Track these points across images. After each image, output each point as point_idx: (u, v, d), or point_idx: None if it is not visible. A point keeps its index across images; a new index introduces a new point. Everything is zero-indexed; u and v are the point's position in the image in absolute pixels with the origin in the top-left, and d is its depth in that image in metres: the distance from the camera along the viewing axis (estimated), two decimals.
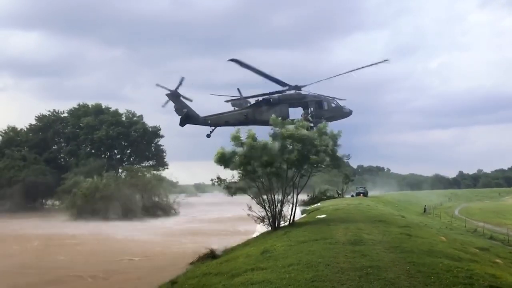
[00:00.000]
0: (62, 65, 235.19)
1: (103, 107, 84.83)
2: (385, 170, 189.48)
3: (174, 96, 29.60)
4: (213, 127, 30.02)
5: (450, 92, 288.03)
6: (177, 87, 29.55)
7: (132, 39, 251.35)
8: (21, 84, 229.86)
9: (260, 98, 30.08)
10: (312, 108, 29.84)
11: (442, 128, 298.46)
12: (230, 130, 25.51)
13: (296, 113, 29.95)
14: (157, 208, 63.63)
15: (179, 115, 29.64)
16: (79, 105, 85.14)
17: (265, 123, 29.29)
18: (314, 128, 28.47)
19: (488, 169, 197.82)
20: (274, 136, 24.60)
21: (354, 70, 31.91)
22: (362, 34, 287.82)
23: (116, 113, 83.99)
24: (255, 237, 26.32)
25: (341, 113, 30.71)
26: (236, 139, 24.07)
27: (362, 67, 31.56)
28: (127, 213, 58.76)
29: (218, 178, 25.08)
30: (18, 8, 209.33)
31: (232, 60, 27.34)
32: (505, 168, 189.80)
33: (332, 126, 26.32)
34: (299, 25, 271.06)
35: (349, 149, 26.04)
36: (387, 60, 30.75)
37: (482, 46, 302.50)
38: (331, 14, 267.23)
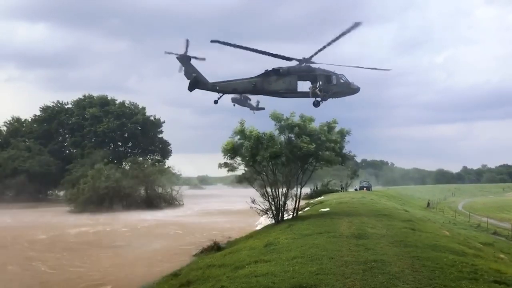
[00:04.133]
0: (67, 57, 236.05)
1: (109, 98, 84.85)
2: (389, 164, 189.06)
3: (184, 59, 29.40)
4: (220, 94, 29.95)
5: (455, 87, 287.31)
6: (186, 51, 29.30)
7: (137, 31, 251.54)
8: (26, 75, 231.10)
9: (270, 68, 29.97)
10: (321, 82, 29.71)
11: (447, 122, 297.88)
12: (234, 125, 25.51)
13: (304, 86, 29.88)
14: (161, 200, 63.76)
15: (188, 79, 29.50)
16: (84, 96, 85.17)
17: (273, 93, 29.33)
18: (322, 102, 28.79)
19: (492, 164, 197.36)
20: (280, 129, 24.70)
21: (358, 67, 31.83)
22: (369, 28, 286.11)
23: (121, 104, 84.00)
24: (258, 230, 26.40)
25: (349, 89, 30.59)
26: (241, 132, 24.18)
27: (365, 68, 31.69)
28: (131, 205, 58.94)
29: (225, 163, 25.18)
30: (25, 0, 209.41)
31: (213, 41, 27.40)
32: (510, 163, 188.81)
33: (339, 119, 26.40)
34: (305, 19, 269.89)
35: (353, 142, 26.16)
36: (389, 69, 31.02)
37: (489, 41, 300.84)
38: (337, 8, 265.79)
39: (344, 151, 26.31)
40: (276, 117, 24.98)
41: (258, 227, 29.56)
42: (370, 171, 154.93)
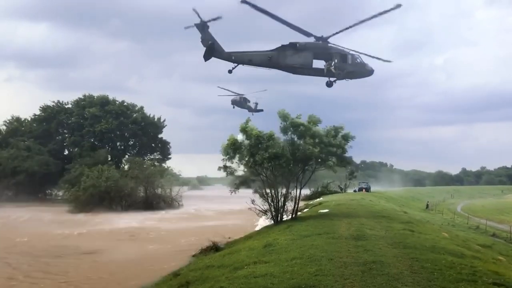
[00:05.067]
0: (67, 57, 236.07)
1: (110, 98, 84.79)
2: (388, 166, 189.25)
3: (202, 26, 29.09)
4: (235, 64, 29.65)
5: (455, 89, 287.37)
6: (200, 18, 28.94)
7: (138, 32, 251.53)
8: (26, 75, 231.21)
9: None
10: (336, 60, 29.47)
11: (446, 124, 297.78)
12: (232, 126, 25.46)
13: (319, 64, 29.73)
14: (160, 200, 63.65)
15: (204, 46, 29.19)
16: (84, 95, 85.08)
17: (288, 68, 29.11)
18: (335, 82, 28.62)
19: (491, 166, 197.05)
20: (283, 129, 24.62)
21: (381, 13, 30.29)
22: (368, 29, 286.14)
23: (120, 104, 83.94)
24: (257, 231, 26.39)
25: (364, 70, 30.23)
26: (244, 130, 24.16)
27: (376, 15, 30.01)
28: (131, 205, 58.84)
29: (225, 166, 25.06)
30: (26, 0, 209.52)
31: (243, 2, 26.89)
32: (508, 165, 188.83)
33: (339, 120, 26.30)
34: (305, 20, 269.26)
35: (353, 144, 25.91)
36: (399, 5, 29.48)
37: (489, 43, 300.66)
38: (337, 9, 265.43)
39: (346, 155, 26.22)
40: (283, 116, 24.75)
41: (257, 228, 29.57)
42: (369, 172, 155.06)
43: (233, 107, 59.33)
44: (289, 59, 28.88)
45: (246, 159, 24.36)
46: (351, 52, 29.90)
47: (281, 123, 24.66)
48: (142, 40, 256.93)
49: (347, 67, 29.18)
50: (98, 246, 28.64)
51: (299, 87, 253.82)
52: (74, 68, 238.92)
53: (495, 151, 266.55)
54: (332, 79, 29.46)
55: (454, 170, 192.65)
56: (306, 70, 29.27)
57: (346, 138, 25.32)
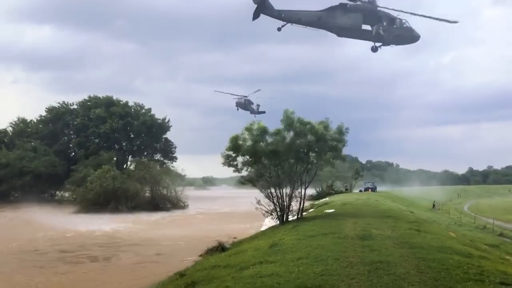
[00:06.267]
0: (73, 59, 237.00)
1: (114, 99, 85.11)
2: (394, 165, 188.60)
3: None
4: (284, 22, 29.71)
5: (462, 88, 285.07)
6: None
7: (144, 34, 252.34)
8: (32, 77, 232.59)
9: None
10: (385, 23, 29.43)
11: (453, 123, 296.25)
12: (236, 127, 25.32)
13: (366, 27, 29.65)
14: (166, 201, 63.79)
15: (255, 3, 29.21)
16: (89, 97, 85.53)
17: (336, 29, 29.07)
18: (381, 47, 28.50)
19: (498, 165, 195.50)
20: (287, 128, 24.49)
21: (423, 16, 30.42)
22: None
23: (124, 105, 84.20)
24: (263, 231, 26.39)
25: (410, 35, 30.22)
26: (248, 130, 24.13)
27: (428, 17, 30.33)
28: (137, 206, 58.99)
29: (230, 158, 24.95)
30: (32, 2, 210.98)
31: None
32: None
33: (345, 120, 26.01)
34: None
35: (358, 144, 25.63)
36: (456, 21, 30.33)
37: (496, 42, 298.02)
38: None
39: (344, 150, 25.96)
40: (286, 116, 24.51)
41: (263, 228, 29.57)
42: (375, 172, 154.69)
43: (237, 109, 59.81)
44: (338, 20, 28.86)
45: (249, 156, 24.28)
46: (399, 16, 29.92)
47: (284, 121, 24.58)
48: (148, 42, 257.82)
49: (394, 30, 29.23)
50: (99, 252, 28.81)
51: (303, 87, 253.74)
52: (79, 70, 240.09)
53: (502, 150, 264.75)
54: (377, 44, 29.53)
55: (460, 170, 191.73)
56: (354, 32, 29.27)
57: (340, 131, 24.96)
